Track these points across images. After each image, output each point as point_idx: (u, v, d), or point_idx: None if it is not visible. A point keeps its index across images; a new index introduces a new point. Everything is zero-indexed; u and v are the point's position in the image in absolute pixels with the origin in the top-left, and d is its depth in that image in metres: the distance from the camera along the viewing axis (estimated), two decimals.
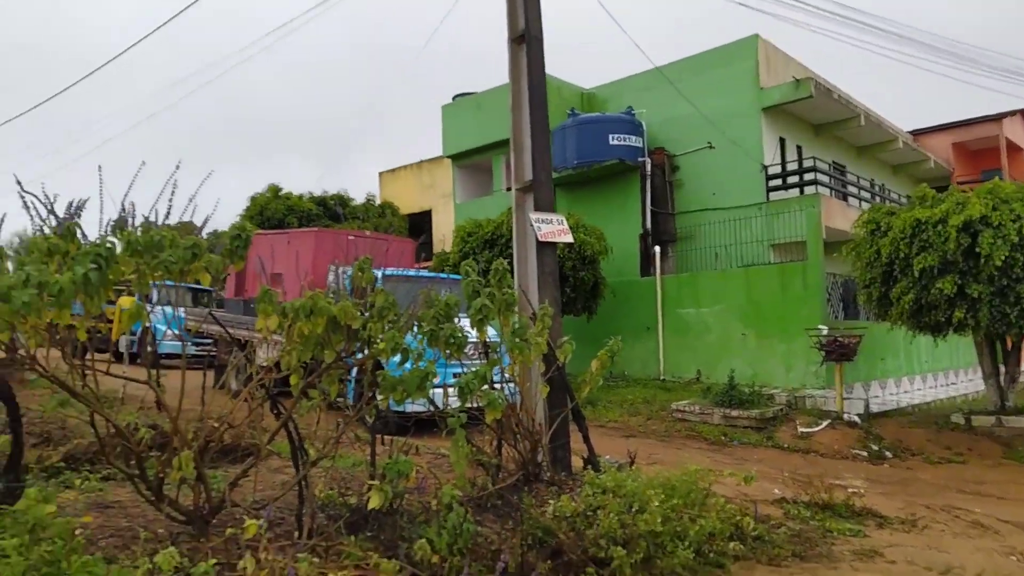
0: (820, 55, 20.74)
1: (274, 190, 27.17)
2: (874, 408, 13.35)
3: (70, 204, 3.89)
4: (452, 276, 12.41)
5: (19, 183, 3.82)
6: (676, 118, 17.86)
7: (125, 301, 19.01)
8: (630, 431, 11.80)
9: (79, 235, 3.82)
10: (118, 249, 3.72)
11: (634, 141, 17.43)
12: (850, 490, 7.75)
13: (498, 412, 5.24)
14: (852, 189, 19.11)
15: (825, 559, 5.30)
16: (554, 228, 6.99)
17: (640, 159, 17.29)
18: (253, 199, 27.33)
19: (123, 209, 3.99)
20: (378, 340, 4.43)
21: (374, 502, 4.35)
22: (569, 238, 7.17)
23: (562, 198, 17.59)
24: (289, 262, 12.69)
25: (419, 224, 27.19)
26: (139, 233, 3.88)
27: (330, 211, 26.92)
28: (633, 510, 4.58)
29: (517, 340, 5.61)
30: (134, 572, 2.94)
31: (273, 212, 26.10)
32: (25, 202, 3.86)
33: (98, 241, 3.90)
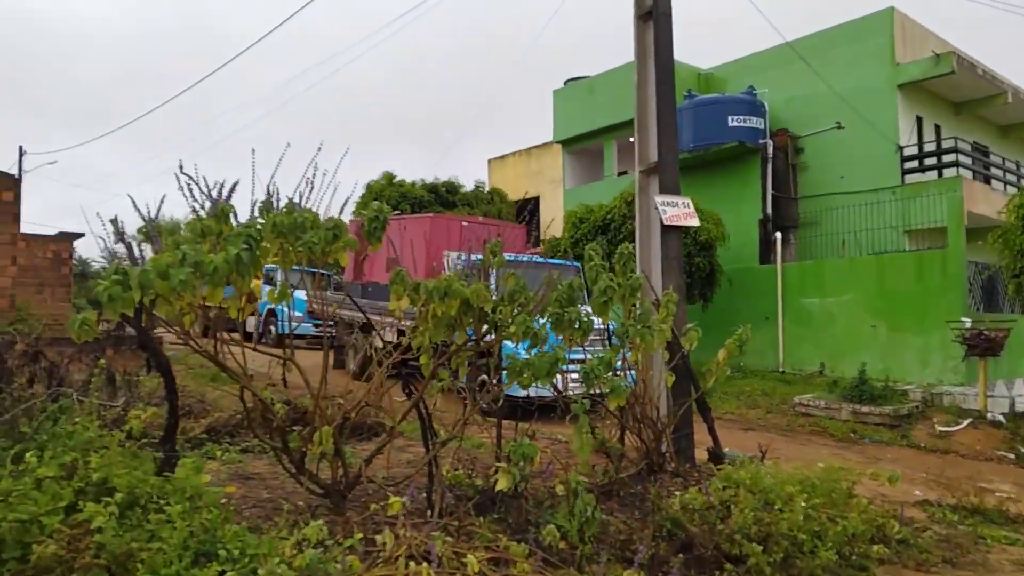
0: (962, 28, 19.19)
1: (388, 177, 27.87)
2: (1020, 407, 12.27)
3: (221, 187, 4.05)
4: (564, 262, 12.30)
5: (181, 167, 4.01)
6: (800, 98, 16.98)
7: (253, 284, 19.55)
8: (748, 424, 11.37)
9: (232, 217, 3.98)
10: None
11: (755, 122, 16.70)
12: (998, 494, 7.15)
13: (622, 399, 5.13)
14: (996, 172, 17.60)
15: (980, 567, 4.88)
16: (680, 211, 6.77)
17: (761, 141, 16.56)
18: (368, 186, 28.14)
19: (268, 192, 4.13)
20: (508, 323, 4.41)
21: (501, 484, 4.34)
22: (695, 222, 6.92)
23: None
24: (404, 247, 12.98)
25: (526, 210, 27.24)
26: (282, 215, 4.01)
27: (441, 198, 27.38)
28: (775, 507, 4.36)
29: (641, 326, 5.46)
30: (283, 543, 3.03)
31: (387, 199, 26.77)
32: (182, 185, 4.05)
33: (247, 223, 4.06)
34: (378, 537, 3.61)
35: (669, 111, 6.87)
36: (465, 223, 14.92)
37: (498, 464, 4.54)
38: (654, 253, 6.82)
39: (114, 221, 4.01)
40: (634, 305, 5.63)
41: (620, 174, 20.10)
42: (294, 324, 22.78)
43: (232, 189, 4.03)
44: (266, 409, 4.04)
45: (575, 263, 12.26)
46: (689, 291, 14.28)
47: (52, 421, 3.39)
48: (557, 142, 21.53)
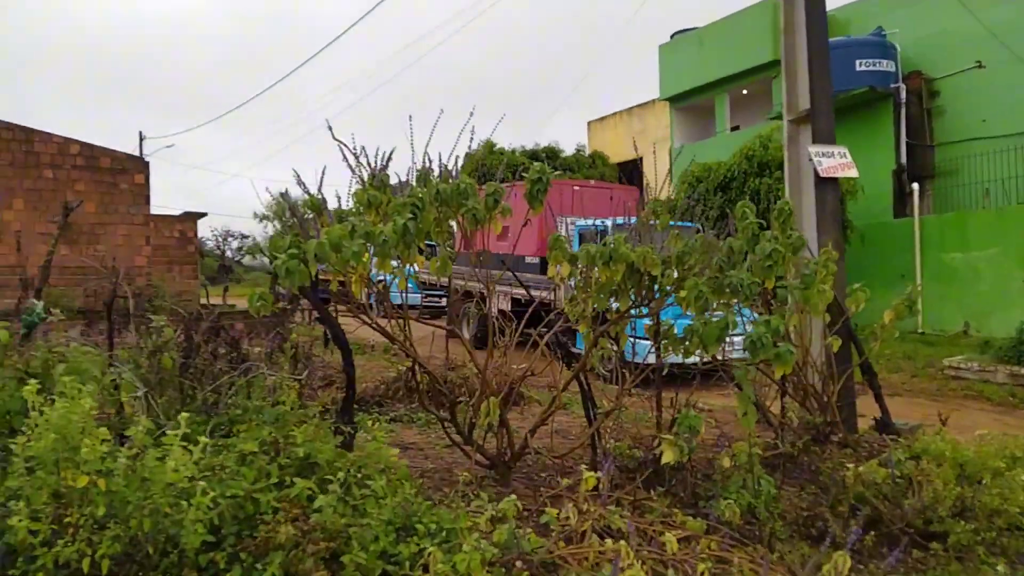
0: None
1: (488, 146, 27.78)
2: None
3: (378, 155, 3.97)
4: (686, 223, 11.82)
5: (340, 142, 3.94)
6: (934, 36, 15.58)
7: None
8: (893, 389, 10.67)
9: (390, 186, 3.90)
10: None
11: (885, 65, 15.46)
12: None
13: (788, 367, 4.78)
14: None
15: None
16: (836, 162, 6.27)
17: (893, 85, 15.34)
18: (468, 155, 28.14)
19: (427, 161, 4.02)
20: (674, 288, 4.17)
21: (668, 457, 4.14)
22: (854, 172, 6.40)
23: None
24: (517, 214, 12.82)
25: (629, 172, 26.54)
26: (442, 182, 3.89)
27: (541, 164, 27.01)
28: (978, 481, 3.97)
29: (806, 288, 5.07)
30: (478, 518, 2.93)
31: (488, 167, 26.76)
32: (344, 154, 3.99)
33: (409, 192, 3.97)
34: (561, 512, 3.49)
35: (822, 53, 6.34)
36: (576, 187, 14.59)
37: (662, 436, 4.35)
38: (806, 208, 6.37)
39: (284, 195, 3.99)
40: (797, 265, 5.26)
41: (733, 129, 19.20)
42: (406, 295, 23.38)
43: (389, 158, 3.94)
44: (435, 382, 3.98)
45: (694, 224, 11.79)
46: None
47: (244, 395, 3.43)
48: (665, 99, 20.76)
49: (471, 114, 4.25)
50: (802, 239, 5.22)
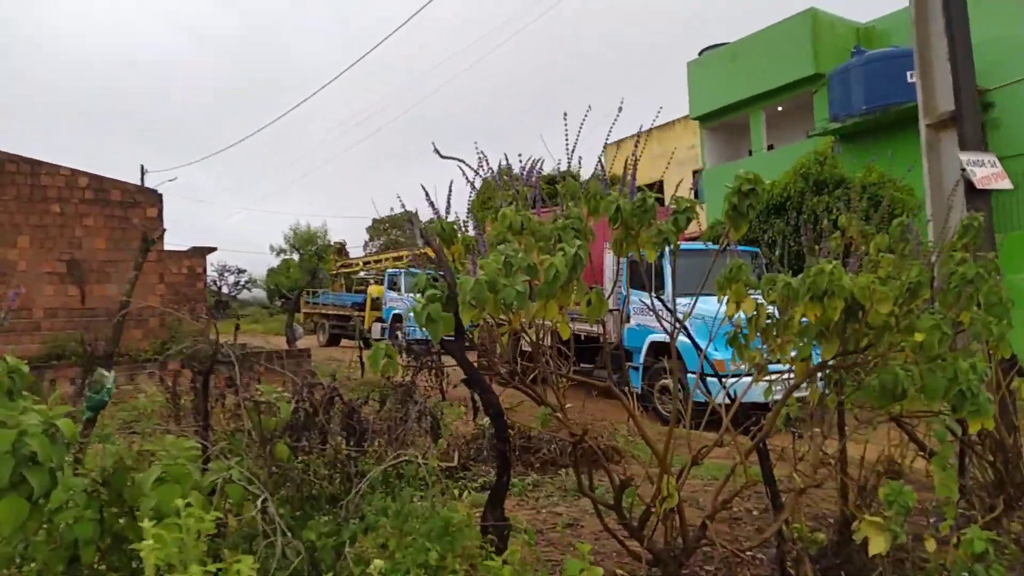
0: None
1: (504, 172, 27.03)
2: None
3: (525, 167, 3.06)
4: (748, 248, 10.93)
5: (456, 159, 3.04)
6: (986, 44, 14.77)
7: (375, 290, 19.25)
8: None
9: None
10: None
11: None
12: None
13: (988, 420, 3.85)
14: None
15: None
16: (989, 172, 5.38)
17: None
18: (486, 182, 27.39)
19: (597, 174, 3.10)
20: (902, 327, 3.23)
21: (877, 547, 3.19)
22: (1008, 183, 5.51)
23: (847, 152, 15.30)
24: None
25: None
26: (621, 199, 2.98)
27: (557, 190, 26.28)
28: None
29: (993, 322, 4.14)
30: None
31: (503, 196, 25.90)
32: (463, 170, 3.10)
33: (567, 213, 3.08)
34: None
35: (965, 43, 5.50)
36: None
37: (864, 516, 3.37)
38: (952, 225, 5.44)
39: (412, 219, 3.07)
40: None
41: (769, 148, 18.38)
42: (414, 328, 22.37)
43: (539, 170, 3.05)
44: (597, 456, 3.02)
45: (754, 248, 10.91)
46: None
47: (384, 493, 2.47)
48: (694, 118, 19.95)
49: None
50: (996, 263, 4.32)
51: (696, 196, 15.23)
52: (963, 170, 5.27)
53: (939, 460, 3.67)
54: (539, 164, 3.32)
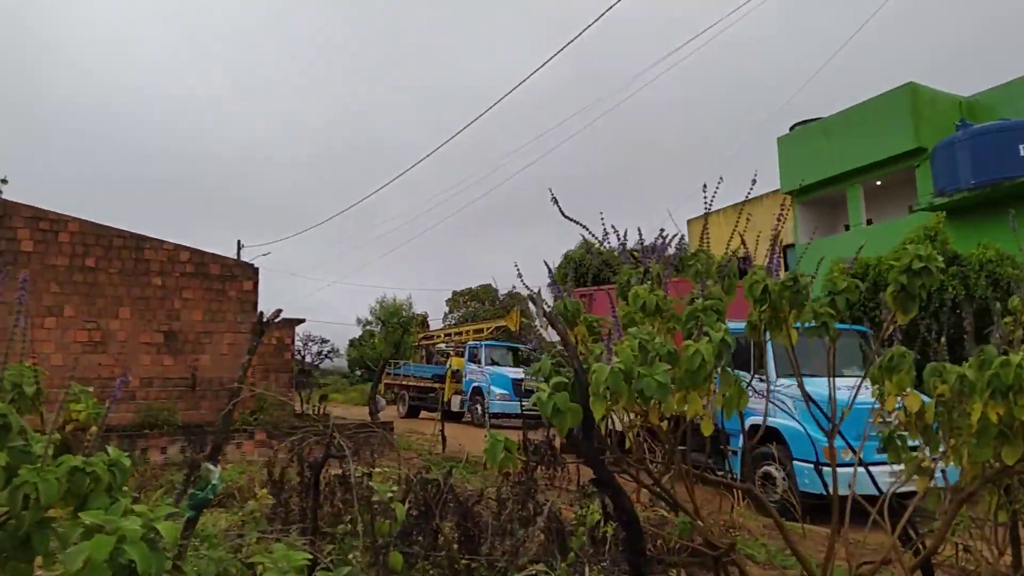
0: None
1: (587, 246, 26.94)
2: None
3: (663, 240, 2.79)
4: (857, 327, 10.25)
5: (581, 224, 2.80)
6: None
7: (456, 362, 18.93)
8: None
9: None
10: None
11: None
12: None
13: None
14: None
15: None
16: None
17: None
18: (566, 256, 27.36)
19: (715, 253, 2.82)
20: None
21: None
22: None
23: (956, 228, 14.42)
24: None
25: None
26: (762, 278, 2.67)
27: (638, 263, 25.95)
28: None
29: None
30: None
31: (587, 267, 25.76)
32: (589, 242, 2.84)
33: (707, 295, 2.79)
34: None
35: None
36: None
37: None
38: None
39: (533, 299, 2.84)
40: None
41: (868, 223, 17.63)
42: (499, 403, 21.94)
43: (679, 245, 2.79)
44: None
45: (862, 328, 10.24)
46: None
47: None
48: (786, 192, 19.41)
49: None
50: None
51: (787, 271, 14.52)
52: None
53: None
54: (675, 239, 3.04)
